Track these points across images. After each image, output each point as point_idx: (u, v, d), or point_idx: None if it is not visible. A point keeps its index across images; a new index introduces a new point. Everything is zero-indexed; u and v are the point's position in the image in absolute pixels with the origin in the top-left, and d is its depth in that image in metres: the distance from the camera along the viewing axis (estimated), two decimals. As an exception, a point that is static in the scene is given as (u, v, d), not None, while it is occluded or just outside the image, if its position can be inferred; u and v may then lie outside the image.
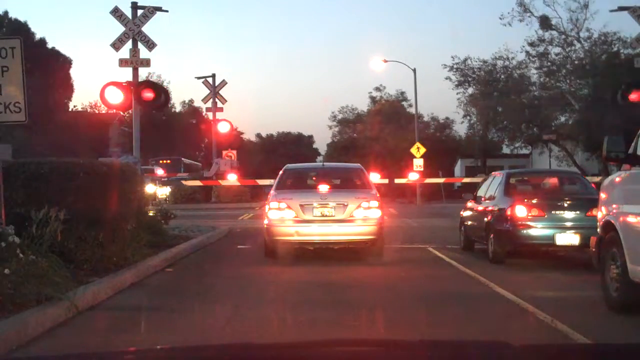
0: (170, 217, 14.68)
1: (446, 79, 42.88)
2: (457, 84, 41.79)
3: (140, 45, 14.63)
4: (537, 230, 10.70)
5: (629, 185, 7.22)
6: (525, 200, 11.01)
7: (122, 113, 33.58)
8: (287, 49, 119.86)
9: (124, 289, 8.34)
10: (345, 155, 48.51)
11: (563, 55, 36.84)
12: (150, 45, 14.64)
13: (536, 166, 44.24)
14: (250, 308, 7.49)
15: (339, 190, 12.21)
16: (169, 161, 43.36)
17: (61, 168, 8.95)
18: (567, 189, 12.40)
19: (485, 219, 11.66)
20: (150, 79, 37.66)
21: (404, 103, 55.08)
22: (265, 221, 11.59)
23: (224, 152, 34.97)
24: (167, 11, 15.33)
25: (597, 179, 19.45)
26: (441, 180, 32.86)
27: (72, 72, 47.00)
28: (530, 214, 10.75)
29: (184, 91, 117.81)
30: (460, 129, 61.65)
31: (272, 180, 14.89)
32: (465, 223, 13.33)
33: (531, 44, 37.07)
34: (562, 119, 38.82)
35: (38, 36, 43.68)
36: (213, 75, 32.36)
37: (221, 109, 32.45)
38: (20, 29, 39.59)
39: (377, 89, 56.96)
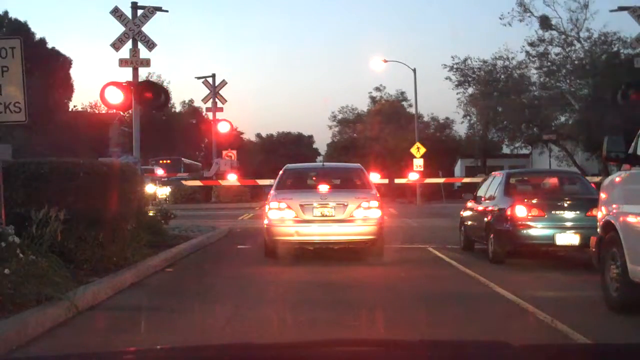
0: (170, 217, 14.69)
1: (446, 79, 42.95)
2: (457, 84, 41.83)
3: (140, 45, 14.63)
4: (537, 230, 10.70)
5: (629, 185, 7.22)
6: (525, 200, 11.01)
7: (122, 113, 33.56)
8: (287, 49, 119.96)
9: (124, 289, 8.33)
10: (345, 155, 48.52)
11: (563, 55, 36.85)
12: (150, 45, 14.64)
13: (536, 166, 44.22)
14: (250, 308, 7.49)
15: (339, 190, 12.21)
16: (169, 161, 43.37)
17: (61, 168, 8.95)
18: (567, 189, 12.40)
19: (485, 219, 11.66)
20: (150, 79, 37.74)
21: (404, 103, 55.13)
22: (265, 221, 11.58)
23: (224, 152, 34.97)
24: (167, 11, 15.36)
25: (597, 179, 19.45)
26: (441, 180, 32.87)
27: (72, 72, 47.11)
28: (530, 214, 10.75)
29: (184, 91, 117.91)
30: (460, 129, 61.75)
31: (272, 180, 14.89)
32: (465, 223, 13.34)
33: (531, 44, 37.10)
34: (562, 119, 38.85)
35: (38, 36, 43.78)
36: (213, 75, 32.38)
37: (221, 109, 32.46)
38: (20, 29, 39.62)
39: (377, 89, 57.04)
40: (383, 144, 48.51)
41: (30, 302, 6.29)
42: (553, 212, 10.76)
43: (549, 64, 37.30)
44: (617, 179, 7.59)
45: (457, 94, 42.91)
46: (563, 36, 36.29)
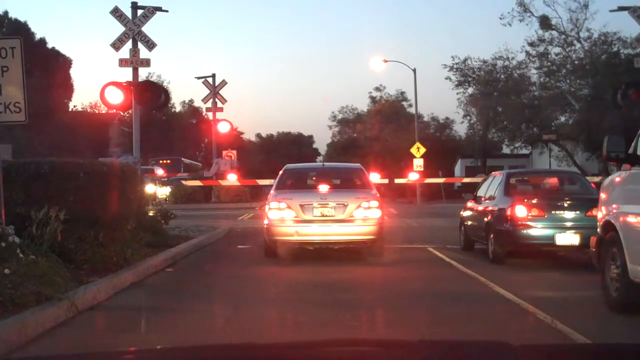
0: (170, 217, 14.67)
1: (446, 79, 43.06)
2: (457, 84, 41.90)
3: (140, 45, 14.63)
4: (537, 230, 10.69)
5: (629, 185, 7.22)
6: (525, 200, 11.00)
7: (122, 113, 33.53)
8: (287, 49, 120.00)
9: (124, 289, 8.33)
10: (345, 155, 48.54)
11: (563, 55, 36.88)
12: (150, 45, 14.64)
13: (536, 166, 44.22)
14: (250, 308, 7.49)
15: (339, 190, 12.21)
16: (169, 161, 43.39)
17: (61, 168, 8.94)
18: (567, 189, 12.40)
19: (485, 219, 11.66)
20: (150, 79, 37.74)
21: (404, 103, 55.20)
22: (265, 221, 11.59)
23: (224, 152, 34.96)
24: (167, 11, 15.34)
25: (597, 179, 19.43)
26: (441, 180, 32.86)
27: (72, 72, 47.20)
28: (530, 214, 10.74)
29: (184, 91, 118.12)
30: (460, 129, 61.85)
31: (272, 180, 14.88)
32: (465, 223, 13.33)
33: (531, 44, 37.14)
34: (562, 119, 38.90)
35: (38, 36, 43.82)
36: (213, 75, 32.40)
37: (221, 109, 32.48)
38: (20, 29, 39.63)
39: (377, 89, 57.13)
40: (383, 144, 48.55)
41: (30, 302, 6.29)
42: (553, 212, 10.76)
43: (549, 64, 37.33)
44: (617, 179, 7.58)
45: (457, 94, 43.05)
46: (563, 36, 36.33)
